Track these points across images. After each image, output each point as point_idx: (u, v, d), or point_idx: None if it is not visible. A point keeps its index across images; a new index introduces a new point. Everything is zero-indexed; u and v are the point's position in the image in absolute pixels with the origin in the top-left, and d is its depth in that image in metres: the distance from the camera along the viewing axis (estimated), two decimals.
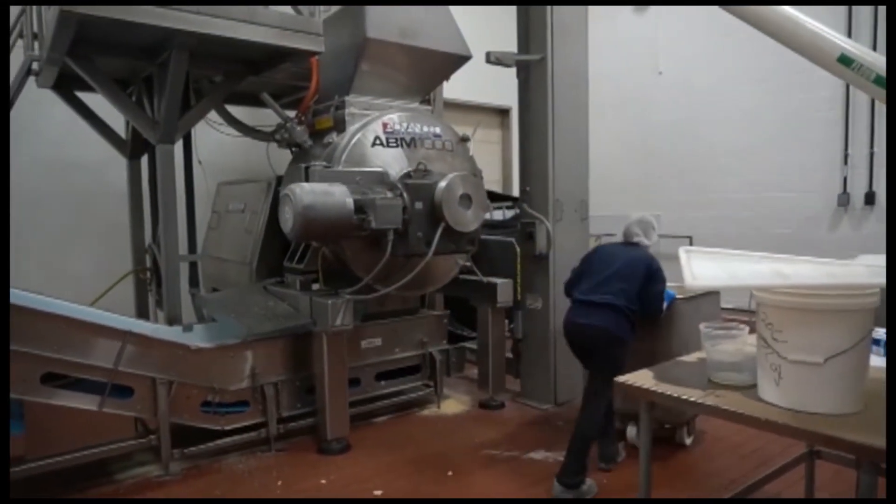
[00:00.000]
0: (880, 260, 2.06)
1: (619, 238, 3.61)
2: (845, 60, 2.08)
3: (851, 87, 6.59)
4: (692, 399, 1.93)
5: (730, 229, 7.65)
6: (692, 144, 8.10)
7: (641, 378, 2.14)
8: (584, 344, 3.35)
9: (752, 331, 2.16)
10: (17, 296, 3.29)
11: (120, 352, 3.35)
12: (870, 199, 6.53)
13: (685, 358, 2.43)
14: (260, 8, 3.86)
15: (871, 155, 6.51)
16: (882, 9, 6.29)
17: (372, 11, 4.15)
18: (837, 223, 6.78)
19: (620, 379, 2.14)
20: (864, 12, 6.45)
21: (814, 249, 6.56)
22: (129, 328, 3.46)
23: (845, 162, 6.70)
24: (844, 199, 6.69)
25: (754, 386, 1.99)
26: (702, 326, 2.48)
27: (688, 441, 3.84)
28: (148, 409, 3.49)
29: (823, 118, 6.87)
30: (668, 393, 2.00)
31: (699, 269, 1.85)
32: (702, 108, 8.00)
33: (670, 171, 8.35)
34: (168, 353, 3.54)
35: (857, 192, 6.63)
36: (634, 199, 8.61)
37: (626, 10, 8.78)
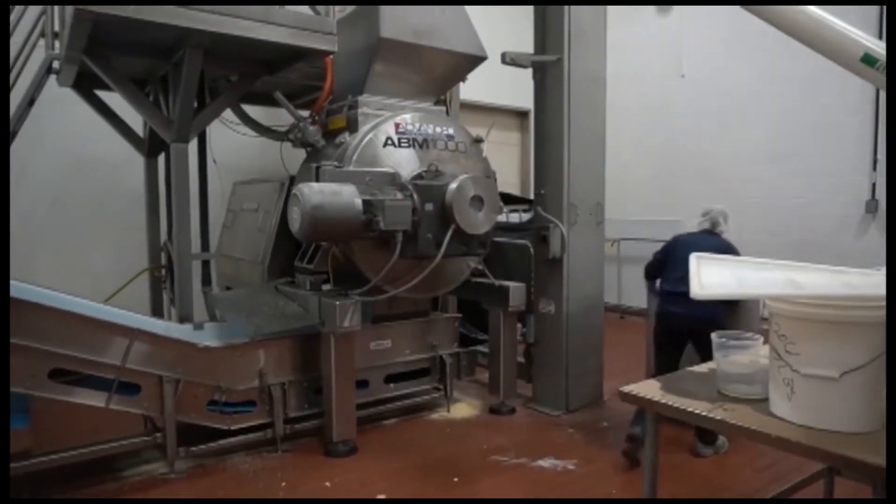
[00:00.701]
0: None
1: (693, 228, 4.02)
2: (869, 60, 1.98)
3: (881, 91, 6.40)
4: (699, 412, 1.85)
5: (754, 236, 7.43)
6: (715, 149, 7.92)
7: (648, 388, 2.06)
8: (682, 331, 3.65)
9: (766, 341, 2.08)
10: (27, 291, 3.34)
11: (128, 349, 3.36)
12: None
13: (696, 368, 2.34)
14: (275, 8, 3.86)
15: None
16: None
17: (386, 11, 4.12)
18: (866, 230, 6.56)
19: (626, 389, 2.06)
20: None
21: (841, 257, 6.42)
22: (138, 326, 3.47)
23: (874, 168, 6.48)
24: (873, 206, 6.47)
25: (766, 400, 1.90)
26: (714, 336, 2.40)
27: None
28: (155, 407, 3.49)
29: (851, 122, 6.65)
30: (675, 405, 1.91)
31: (708, 278, 1.77)
32: (725, 112, 7.81)
33: (692, 175, 8.18)
34: (176, 351, 3.54)
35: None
36: (655, 203, 8.48)
37: (648, 12, 8.64)
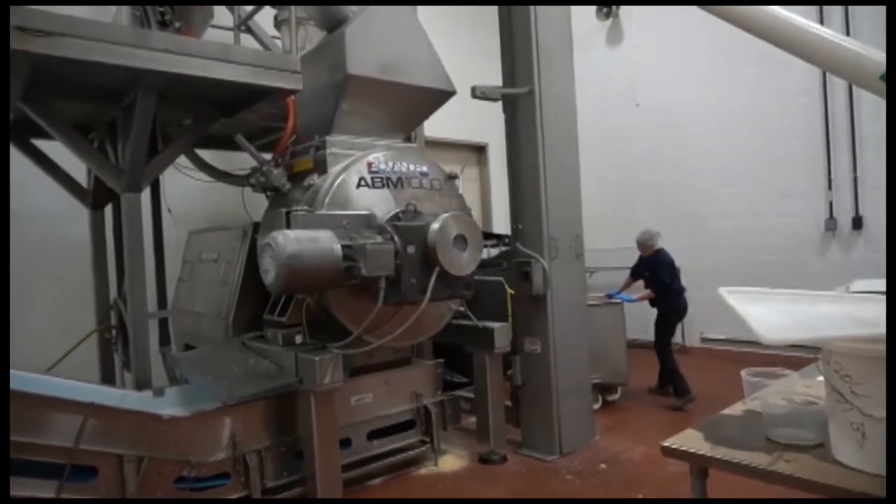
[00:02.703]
0: (877, 284, 2.03)
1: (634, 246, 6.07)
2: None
3: (830, 113, 6.65)
4: (760, 466, 1.66)
5: (717, 258, 7.55)
6: (674, 175, 8.05)
7: (691, 441, 1.87)
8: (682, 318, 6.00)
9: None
10: None
11: (81, 427, 2.96)
12: (857, 223, 6.49)
13: (729, 411, 2.17)
14: (233, 46, 3.64)
15: (855, 179, 6.50)
16: (852, 9, 6.34)
17: (352, 47, 3.95)
18: (826, 248, 6.71)
19: (668, 443, 1.86)
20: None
21: (803, 276, 6.53)
22: (91, 399, 3.07)
23: (829, 187, 6.67)
24: (832, 224, 6.64)
25: (821, 445, 1.74)
26: (743, 373, 2.25)
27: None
28: (114, 491, 3.07)
29: (805, 143, 6.88)
30: (729, 458, 1.73)
31: (762, 317, 1.61)
32: (681, 138, 7.97)
33: (653, 202, 8.27)
34: (137, 424, 3.15)
35: (844, 216, 6.60)
36: (618, 231, 8.48)
37: (600, 43, 8.83)
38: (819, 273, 6.56)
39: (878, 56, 1.95)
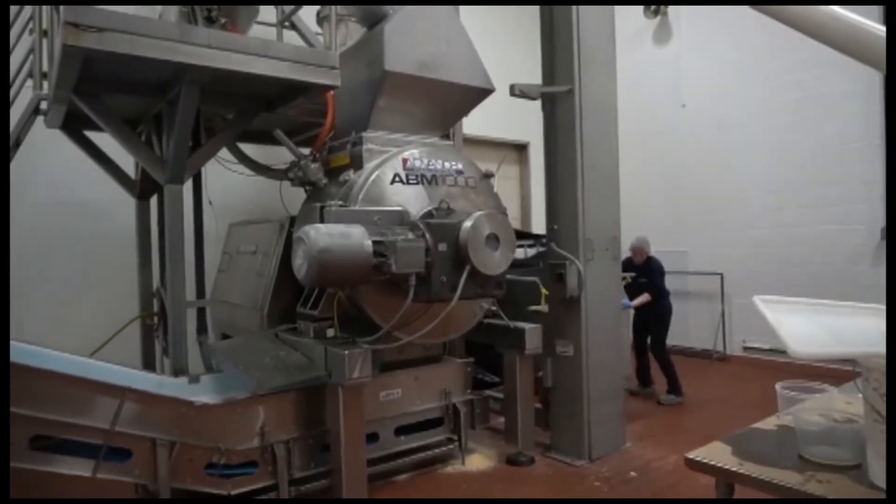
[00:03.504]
0: None
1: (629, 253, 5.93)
2: None
3: (886, 117, 6.32)
4: (790, 485, 1.59)
5: (764, 266, 7.29)
6: (720, 179, 7.80)
7: (718, 455, 1.80)
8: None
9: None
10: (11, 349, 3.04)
11: (118, 410, 3.06)
12: None
13: (760, 425, 2.09)
14: (275, 42, 3.69)
15: None
16: None
17: (390, 44, 3.96)
18: (881, 258, 6.39)
19: (693, 456, 1.80)
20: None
21: (856, 287, 6.24)
22: (129, 383, 3.17)
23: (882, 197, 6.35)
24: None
25: (858, 466, 1.65)
26: (778, 387, 2.16)
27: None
28: (147, 474, 3.17)
29: (859, 149, 6.56)
30: (757, 476, 1.66)
31: (795, 329, 1.54)
32: (729, 142, 7.72)
33: (697, 207, 8.04)
34: (170, 410, 3.24)
35: None
36: (660, 236, 8.29)
37: (647, 42, 8.63)
38: (875, 285, 6.24)
39: None
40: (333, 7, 4.38)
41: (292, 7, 4.42)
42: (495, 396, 4.83)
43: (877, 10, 5.78)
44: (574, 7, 4.35)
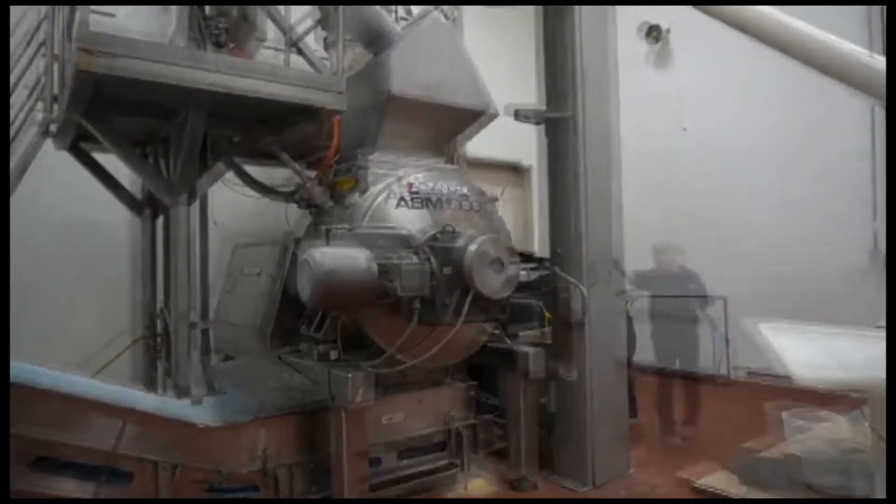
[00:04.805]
0: None
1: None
2: None
3: (877, 138, 6.38)
4: None
5: (761, 286, 7.29)
6: (720, 201, 7.85)
7: (725, 483, 1.80)
8: None
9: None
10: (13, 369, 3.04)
11: (120, 432, 3.05)
12: None
13: (767, 453, 2.08)
14: (282, 66, 3.75)
15: None
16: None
17: (396, 67, 4.02)
18: (870, 278, 6.39)
19: (699, 484, 1.79)
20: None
21: (848, 305, 6.20)
22: (131, 405, 3.17)
23: (874, 217, 6.39)
24: (876, 255, 6.35)
25: (870, 498, 1.64)
26: (785, 415, 2.16)
27: None
28: (148, 496, 3.15)
29: (853, 170, 6.63)
30: None
31: (800, 354, 1.54)
32: (729, 164, 7.79)
33: (698, 228, 8.04)
34: (173, 432, 3.24)
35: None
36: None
37: (647, 68, 8.74)
38: (863, 303, 6.22)
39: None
40: (339, 31, 4.44)
41: (301, 31, 4.49)
42: (498, 422, 4.79)
43: (878, 10, 5.86)
44: (576, 31, 4.39)
